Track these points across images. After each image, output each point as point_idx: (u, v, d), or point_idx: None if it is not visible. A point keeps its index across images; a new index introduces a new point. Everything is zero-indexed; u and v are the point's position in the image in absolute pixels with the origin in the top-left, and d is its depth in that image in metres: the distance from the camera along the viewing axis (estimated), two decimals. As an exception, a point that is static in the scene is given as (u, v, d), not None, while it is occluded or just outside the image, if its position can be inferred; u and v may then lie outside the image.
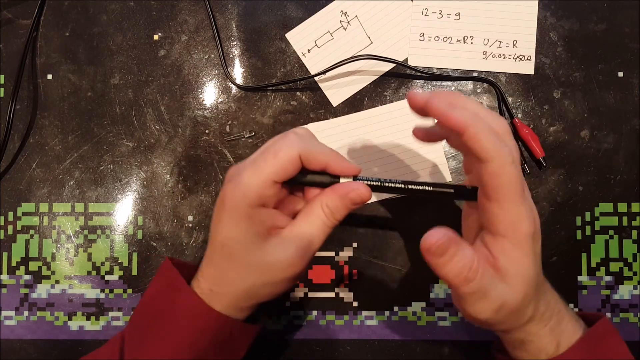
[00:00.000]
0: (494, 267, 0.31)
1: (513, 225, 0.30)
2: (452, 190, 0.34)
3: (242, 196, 0.32)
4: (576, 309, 0.44)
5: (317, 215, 0.33)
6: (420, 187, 0.34)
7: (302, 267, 0.33)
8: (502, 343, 0.36)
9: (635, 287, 0.44)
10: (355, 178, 0.34)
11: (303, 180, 0.34)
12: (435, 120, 0.35)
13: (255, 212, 0.32)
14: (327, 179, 0.34)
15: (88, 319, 0.45)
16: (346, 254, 0.45)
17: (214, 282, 0.34)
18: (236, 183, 0.32)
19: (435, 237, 0.30)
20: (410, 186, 0.34)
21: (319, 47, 0.46)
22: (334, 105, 0.46)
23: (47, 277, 0.46)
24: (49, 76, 0.47)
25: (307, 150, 0.33)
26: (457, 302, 0.32)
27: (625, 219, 0.45)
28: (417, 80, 0.46)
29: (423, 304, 0.45)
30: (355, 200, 0.33)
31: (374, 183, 0.34)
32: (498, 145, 0.29)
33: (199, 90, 0.46)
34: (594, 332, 0.33)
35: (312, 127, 0.46)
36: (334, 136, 0.45)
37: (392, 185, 0.34)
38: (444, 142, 0.45)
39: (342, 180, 0.34)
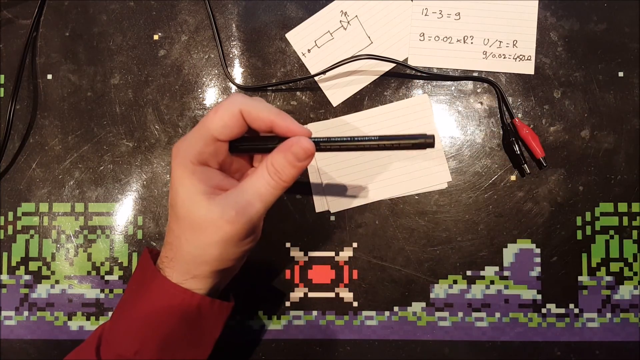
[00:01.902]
0: None
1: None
2: (400, 142, 0.33)
3: (184, 152, 0.32)
4: (576, 310, 0.44)
5: (260, 175, 0.33)
6: (369, 143, 0.33)
7: (241, 225, 0.32)
8: None
9: (635, 287, 0.44)
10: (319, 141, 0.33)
11: (250, 145, 0.34)
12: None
13: (198, 170, 0.33)
14: (274, 143, 0.33)
15: (88, 319, 0.45)
16: (346, 254, 0.45)
17: (169, 248, 0.34)
18: (180, 142, 0.33)
19: None
20: (359, 142, 0.33)
21: (319, 47, 0.46)
22: (334, 105, 0.46)
23: (47, 277, 0.46)
24: (49, 76, 0.47)
25: (249, 106, 0.33)
26: None
27: (625, 219, 0.45)
28: (417, 80, 0.46)
29: (423, 304, 0.45)
30: (299, 155, 0.32)
31: (326, 144, 0.33)
32: None
33: (199, 90, 0.46)
34: None
35: (312, 127, 0.46)
36: (335, 135, 0.45)
37: (341, 142, 0.33)
38: (444, 143, 0.45)
39: None
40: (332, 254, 0.45)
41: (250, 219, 0.32)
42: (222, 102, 0.33)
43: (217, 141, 0.33)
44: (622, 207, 0.45)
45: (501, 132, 0.45)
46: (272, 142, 0.33)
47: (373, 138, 0.33)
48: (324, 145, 0.33)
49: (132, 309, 0.34)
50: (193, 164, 0.32)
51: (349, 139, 0.33)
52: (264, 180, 0.33)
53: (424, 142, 0.32)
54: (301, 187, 0.45)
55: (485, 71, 0.46)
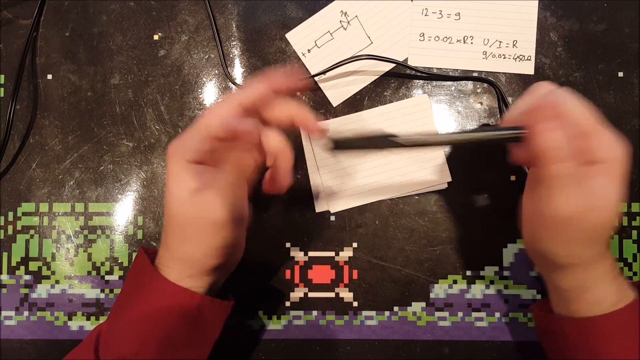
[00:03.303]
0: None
1: (606, 150, 0.30)
2: (504, 133, 0.33)
3: (180, 151, 0.33)
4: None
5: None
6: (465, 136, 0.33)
7: (231, 214, 0.33)
8: (549, 300, 0.36)
9: (635, 287, 0.44)
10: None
11: (353, 142, 0.34)
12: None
13: (192, 168, 0.33)
14: (381, 139, 0.33)
15: (88, 319, 0.45)
16: (346, 254, 0.45)
17: (166, 248, 0.34)
18: (176, 141, 0.34)
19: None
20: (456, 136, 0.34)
21: (319, 47, 0.46)
22: (334, 105, 0.46)
23: (47, 277, 0.46)
24: (49, 76, 0.47)
25: (247, 94, 0.33)
26: (540, 195, 0.32)
27: (625, 219, 0.45)
28: (417, 80, 0.46)
29: (423, 304, 0.45)
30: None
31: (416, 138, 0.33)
32: (555, 92, 0.32)
33: (199, 90, 0.46)
34: None
35: (312, 127, 0.46)
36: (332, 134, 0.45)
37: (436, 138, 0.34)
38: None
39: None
40: (332, 254, 0.45)
41: (238, 206, 0.33)
42: (214, 105, 0.34)
43: (215, 139, 0.33)
44: (622, 207, 0.45)
45: (501, 132, 0.45)
46: (377, 140, 0.33)
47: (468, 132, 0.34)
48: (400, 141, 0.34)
49: (131, 309, 0.34)
50: (188, 162, 0.33)
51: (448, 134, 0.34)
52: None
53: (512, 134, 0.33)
54: (301, 187, 0.45)
55: (485, 71, 0.46)
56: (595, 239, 0.32)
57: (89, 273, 0.46)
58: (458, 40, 0.46)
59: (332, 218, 0.45)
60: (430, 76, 0.46)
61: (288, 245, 0.45)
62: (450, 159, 0.45)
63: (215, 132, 0.32)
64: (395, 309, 0.45)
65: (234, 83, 0.46)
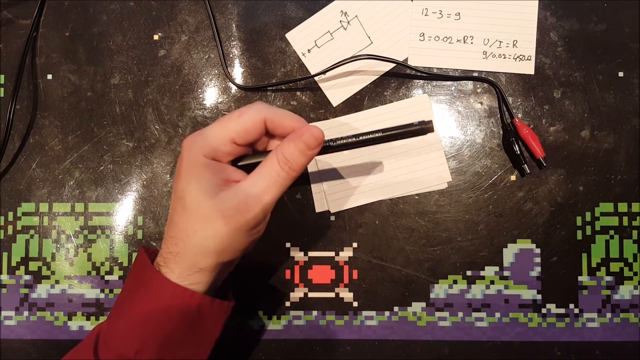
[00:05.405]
0: None
1: None
2: (402, 131, 0.35)
3: (199, 146, 0.33)
4: (576, 310, 0.44)
5: (270, 166, 0.34)
6: (373, 136, 0.35)
7: (253, 215, 0.33)
8: None
9: (635, 287, 0.44)
10: (325, 143, 0.35)
11: (252, 161, 0.35)
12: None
13: (211, 163, 0.33)
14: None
15: (88, 319, 0.45)
16: (346, 254, 0.45)
17: (173, 242, 0.34)
18: (196, 135, 0.34)
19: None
20: (363, 137, 0.35)
21: (319, 47, 0.46)
22: (334, 105, 0.46)
23: (47, 277, 0.46)
24: (49, 76, 0.47)
25: (273, 114, 0.34)
26: None
27: (625, 219, 0.45)
28: (417, 80, 0.46)
29: (423, 304, 0.45)
30: (310, 142, 0.33)
31: (332, 144, 0.35)
32: None
33: (199, 90, 0.46)
34: None
35: (312, 127, 0.46)
36: (334, 136, 0.45)
37: (345, 140, 0.35)
38: (444, 143, 0.45)
39: None
40: (332, 254, 0.45)
41: (262, 209, 0.33)
42: (246, 107, 0.34)
43: (234, 144, 0.34)
44: (622, 207, 0.45)
45: (501, 132, 0.45)
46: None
47: (376, 132, 0.35)
48: (331, 145, 0.35)
49: (131, 309, 0.34)
50: (206, 158, 0.33)
51: (352, 136, 0.35)
52: (274, 171, 0.33)
53: (424, 127, 0.35)
54: (301, 187, 0.45)
55: (485, 71, 0.46)
56: None
57: (89, 273, 0.46)
58: (458, 40, 0.46)
59: (332, 218, 0.45)
60: (430, 76, 0.46)
61: (288, 245, 0.45)
62: (450, 159, 0.45)
63: (237, 137, 0.34)
64: (395, 309, 0.45)
65: (234, 83, 0.46)
